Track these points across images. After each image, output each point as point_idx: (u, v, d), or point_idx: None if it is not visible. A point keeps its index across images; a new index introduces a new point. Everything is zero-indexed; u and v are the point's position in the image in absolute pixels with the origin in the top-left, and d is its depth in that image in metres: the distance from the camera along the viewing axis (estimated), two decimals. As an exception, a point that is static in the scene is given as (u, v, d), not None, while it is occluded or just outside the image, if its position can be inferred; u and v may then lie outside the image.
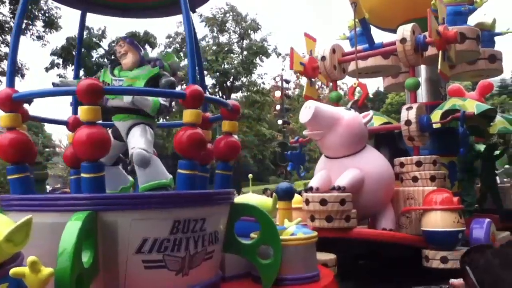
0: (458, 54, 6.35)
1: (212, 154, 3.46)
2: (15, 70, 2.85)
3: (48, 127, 41.38)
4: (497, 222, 6.15)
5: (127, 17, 4.12)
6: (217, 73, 30.80)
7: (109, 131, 3.38)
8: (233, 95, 32.85)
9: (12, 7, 21.37)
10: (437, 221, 4.96)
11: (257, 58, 32.25)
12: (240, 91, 33.29)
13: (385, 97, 37.82)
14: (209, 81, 32.30)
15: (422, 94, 7.31)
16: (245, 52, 32.63)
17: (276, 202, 4.04)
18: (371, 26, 7.07)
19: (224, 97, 32.67)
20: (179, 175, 2.84)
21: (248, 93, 32.17)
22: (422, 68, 7.38)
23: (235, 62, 31.65)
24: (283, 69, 42.48)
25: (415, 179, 5.49)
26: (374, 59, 7.13)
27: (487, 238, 5.33)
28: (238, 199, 4.28)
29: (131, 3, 3.99)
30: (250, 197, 4.20)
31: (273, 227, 3.30)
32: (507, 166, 11.77)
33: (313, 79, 7.11)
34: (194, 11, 3.96)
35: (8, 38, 22.30)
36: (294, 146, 6.89)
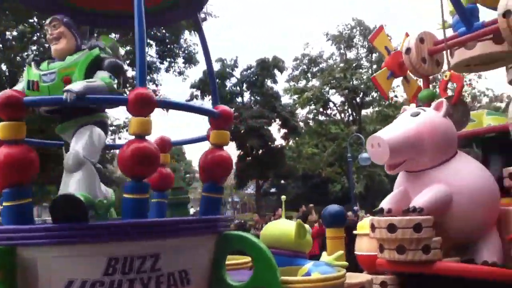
0: None
1: None
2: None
3: (188, 155, 44.99)
4: None
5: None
6: (346, 90, 29.84)
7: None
8: (363, 111, 31.41)
9: (158, 48, 23.38)
10: None
11: (388, 71, 30.41)
12: (371, 107, 31.66)
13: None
14: (337, 98, 31.48)
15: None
16: (374, 66, 31.07)
17: (303, 230, 3.19)
18: (480, 6, 5.66)
19: (354, 114, 31.42)
20: (123, 200, 2.29)
21: (380, 107, 30.41)
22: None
23: (364, 77, 30.35)
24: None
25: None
26: (483, 45, 5.56)
27: None
28: (268, 226, 3.54)
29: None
30: (279, 223, 3.42)
31: (269, 264, 2.52)
32: None
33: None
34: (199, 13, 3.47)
35: (155, 76, 24.68)
36: None
